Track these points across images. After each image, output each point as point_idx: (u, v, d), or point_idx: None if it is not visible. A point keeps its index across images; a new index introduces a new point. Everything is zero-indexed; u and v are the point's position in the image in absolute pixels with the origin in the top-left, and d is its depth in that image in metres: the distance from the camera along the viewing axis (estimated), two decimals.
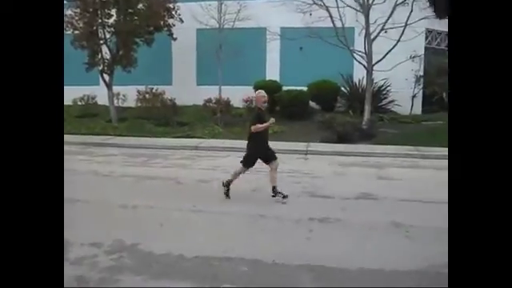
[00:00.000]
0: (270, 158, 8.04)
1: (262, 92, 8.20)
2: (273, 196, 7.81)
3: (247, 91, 18.50)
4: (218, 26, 18.15)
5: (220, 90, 18.11)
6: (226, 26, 18.09)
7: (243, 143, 14.14)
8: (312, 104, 18.78)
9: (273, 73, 20.02)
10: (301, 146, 13.68)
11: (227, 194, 8.02)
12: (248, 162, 8.03)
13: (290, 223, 6.67)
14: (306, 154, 12.89)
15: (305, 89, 18.46)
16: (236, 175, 8.12)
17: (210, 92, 18.16)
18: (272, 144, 14.24)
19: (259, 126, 7.79)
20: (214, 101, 17.93)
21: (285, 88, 18.62)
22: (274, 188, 7.87)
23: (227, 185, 8.06)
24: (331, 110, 18.54)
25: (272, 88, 18.65)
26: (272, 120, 7.89)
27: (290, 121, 17.15)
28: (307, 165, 11.56)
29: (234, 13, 17.87)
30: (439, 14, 4.73)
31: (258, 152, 8.00)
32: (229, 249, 5.56)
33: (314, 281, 4.78)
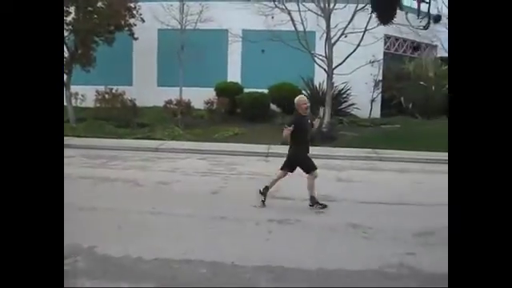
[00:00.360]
0: (310, 167, 7.70)
1: (303, 97, 7.98)
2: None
3: (208, 93, 18.47)
4: (179, 26, 18.03)
5: (181, 91, 17.98)
6: (187, 27, 17.99)
7: (203, 145, 14.21)
8: (273, 106, 18.88)
9: (234, 75, 20.04)
10: (262, 148, 13.73)
11: (319, 203, 7.60)
12: (287, 165, 7.79)
13: (250, 225, 6.68)
14: (266, 156, 12.94)
15: (266, 91, 18.55)
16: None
17: (171, 93, 18.01)
18: (233, 146, 14.29)
19: (286, 130, 7.50)
20: (174, 102, 17.79)
21: (246, 90, 18.67)
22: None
23: (313, 200, 7.61)
24: (292, 112, 18.56)
25: (233, 90, 18.72)
26: (288, 129, 7.46)
27: (251, 123, 17.21)
28: (268, 167, 11.58)
29: (196, 14, 17.79)
30: (382, 20, 4.89)
31: (299, 158, 7.72)
32: (188, 251, 5.52)
33: (273, 282, 4.80)
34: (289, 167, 7.80)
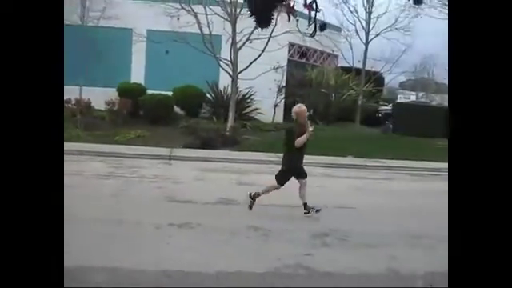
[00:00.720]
0: (301, 174, 7.71)
1: (303, 106, 7.80)
2: (305, 213, 7.56)
3: (110, 93, 17.91)
4: (80, 22, 17.32)
5: (81, 90, 17.28)
6: (90, 24, 17.34)
7: (104, 147, 13.73)
8: (177, 109, 18.71)
9: (138, 76, 19.62)
10: (164, 151, 13.52)
11: (251, 207, 7.66)
12: (282, 179, 7.68)
13: (150, 229, 6.53)
14: (169, 159, 12.77)
15: (170, 93, 18.33)
16: (268, 191, 7.75)
17: (70, 92, 17.20)
18: (136, 149, 13.96)
19: (301, 139, 7.37)
20: (73, 102, 17.03)
21: (149, 92, 18.33)
22: (305, 205, 7.63)
23: (254, 197, 7.67)
24: (196, 115, 18.64)
25: (136, 91, 18.34)
26: (311, 129, 7.49)
27: (154, 125, 16.92)
28: (170, 170, 11.47)
29: (99, 10, 17.21)
30: (260, 24, 5.00)
31: (294, 168, 7.68)
32: (86, 257, 5.29)
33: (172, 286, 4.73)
34: (285, 180, 7.70)
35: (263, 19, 4.65)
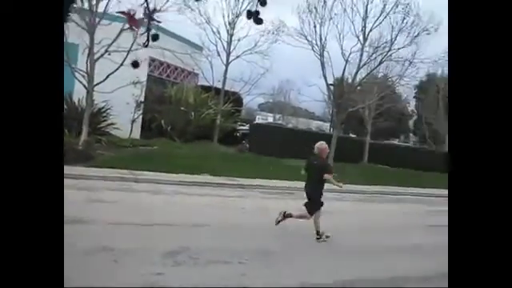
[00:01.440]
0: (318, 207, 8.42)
1: (325, 143, 8.53)
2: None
3: None
4: None
5: None
6: None
7: None
8: None
9: None
10: None
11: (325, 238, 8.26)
12: (317, 207, 8.28)
13: None
14: None
15: None
16: (317, 223, 8.28)
17: None
18: None
19: (329, 176, 8.18)
20: None
21: None
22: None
23: (319, 235, 8.23)
24: None
25: None
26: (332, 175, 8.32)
27: None
28: None
29: None
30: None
31: (319, 198, 8.33)
32: None
33: None
34: (319, 207, 8.33)
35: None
